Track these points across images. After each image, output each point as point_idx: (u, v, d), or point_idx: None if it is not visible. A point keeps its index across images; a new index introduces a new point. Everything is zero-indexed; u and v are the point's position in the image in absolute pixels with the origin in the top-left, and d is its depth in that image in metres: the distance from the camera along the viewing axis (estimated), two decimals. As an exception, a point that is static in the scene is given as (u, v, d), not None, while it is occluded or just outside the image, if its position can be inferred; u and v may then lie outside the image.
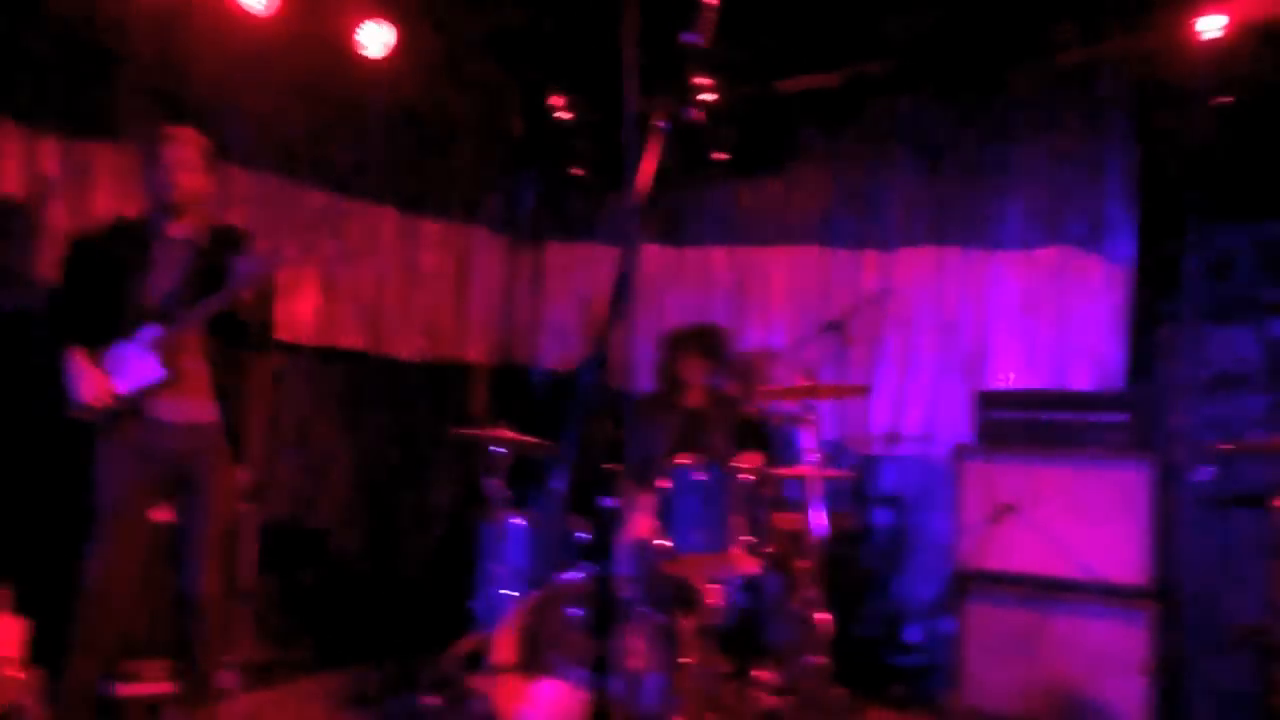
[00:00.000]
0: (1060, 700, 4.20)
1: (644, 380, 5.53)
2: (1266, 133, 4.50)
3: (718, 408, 4.72)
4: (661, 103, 1.60)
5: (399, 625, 5.18)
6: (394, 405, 5.60)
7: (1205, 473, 4.44)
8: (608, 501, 1.46)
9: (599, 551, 1.37)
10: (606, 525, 1.42)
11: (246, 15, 4.38)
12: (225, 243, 3.35)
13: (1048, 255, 4.86)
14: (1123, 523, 4.17)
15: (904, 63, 4.97)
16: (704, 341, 4.75)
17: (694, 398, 4.73)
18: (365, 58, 4.84)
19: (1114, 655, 4.10)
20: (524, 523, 4.27)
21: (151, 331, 3.20)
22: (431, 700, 4.14)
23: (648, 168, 1.57)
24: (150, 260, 3.29)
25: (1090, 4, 4.45)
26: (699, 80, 5.15)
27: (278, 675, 4.49)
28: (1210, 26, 4.03)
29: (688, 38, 1.61)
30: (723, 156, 5.52)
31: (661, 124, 1.60)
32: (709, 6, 1.59)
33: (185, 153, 3.28)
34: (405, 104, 5.38)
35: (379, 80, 5.00)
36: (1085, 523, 4.24)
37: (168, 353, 3.20)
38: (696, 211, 5.87)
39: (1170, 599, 4.31)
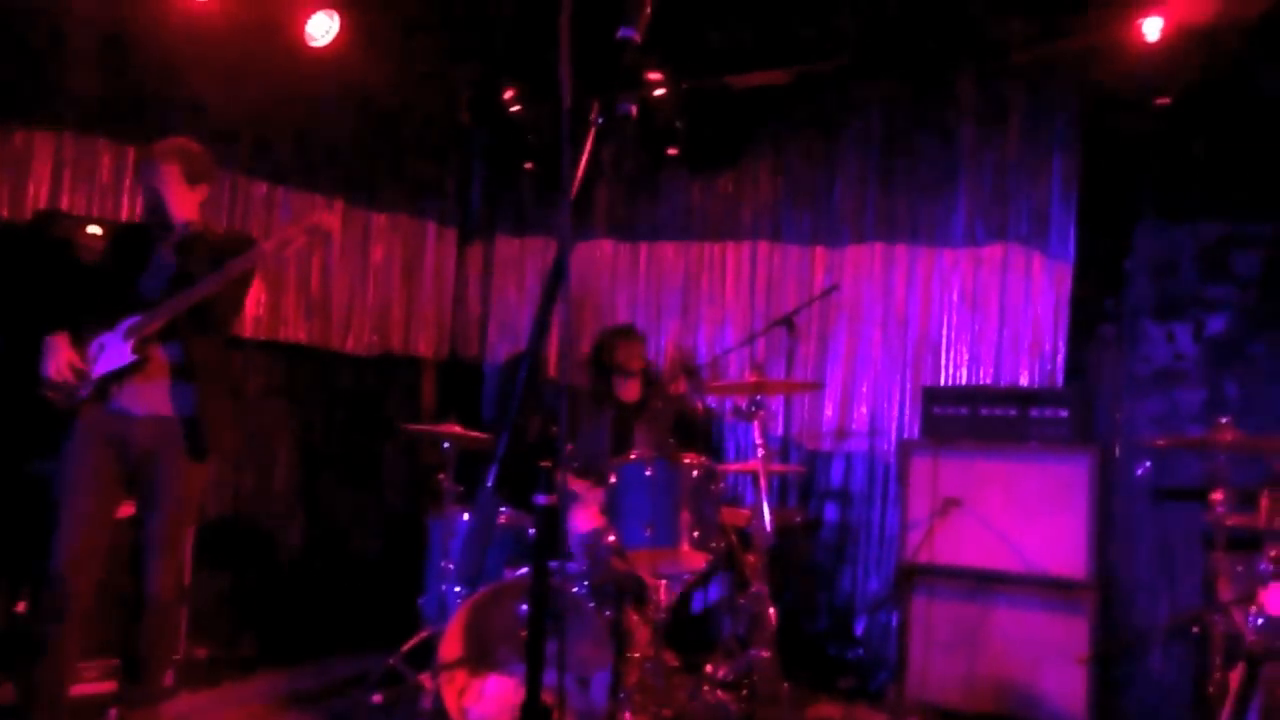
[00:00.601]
0: (1003, 691, 4.27)
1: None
2: (1205, 133, 4.60)
3: (654, 401, 4.74)
4: (598, 97, 1.60)
5: (346, 622, 5.13)
6: (342, 399, 5.54)
7: (1144, 467, 4.54)
8: (541, 499, 1.45)
9: (542, 548, 1.36)
10: (544, 522, 1.41)
11: (189, 3, 4.29)
12: (229, 248, 3.37)
13: (992, 252, 4.93)
14: (1064, 516, 4.24)
15: (854, 62, 5.01)
16: (630, 333, 4.88)
17: (629, 392, 4.73)
18: (313, 47, 4.77)
19: (1055, 646, 4.17)
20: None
21: (130, 320, 3.26)
22: (379, 698, 4.11)
23: (584, 162, 1.57)
24: (148, 262, 3.37)
25: (1034, 7, 4.50)
26: (651, 75, 5.16)
27: (220, 674, 4.42)
28: (1149, 29, 4.10)
29: (624, 33, 1.60)
30: (674, 152, 5.52)
31: (597, 118, 1.59)
32: (645, 2, 1.58)
33: (166, 174, 3.37)
34: (354, 94, 5.32)
35: (327, 70, 4.93)
36: (1027, 516, 4.31)
37: (140, 340, 3.24)
38: (649, 207, 5.87)
39: (1109, 591, 4.40)
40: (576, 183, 1.48)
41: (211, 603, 4.57)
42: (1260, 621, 3.07)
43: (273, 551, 5.15)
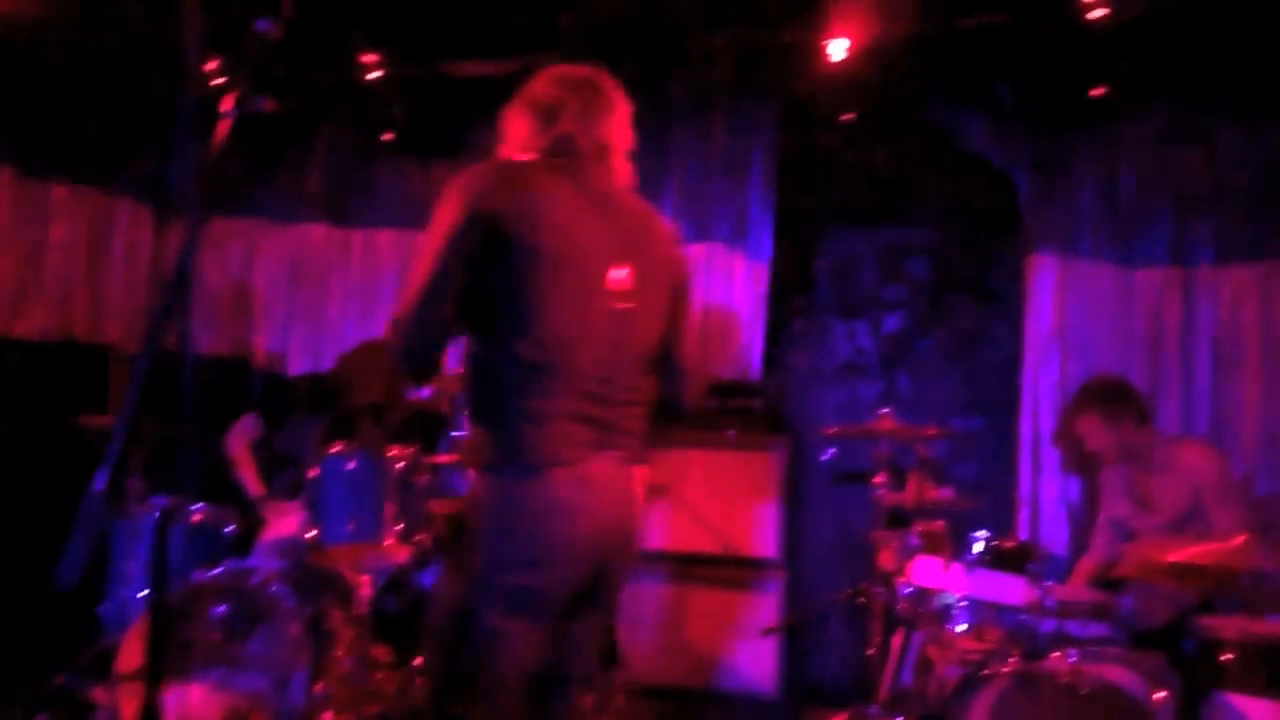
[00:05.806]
0: (703, 665, 4.55)
1: (299, 365, 5.36)
2: (882, 147, 5.06)
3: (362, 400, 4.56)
4: (232, 89, 1.54)
5: (10, 637, 4.65)
6: (11, 389, 5.00)
7: (828, 453, 4.93)
8: (162, 499, 1.40)
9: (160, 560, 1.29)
10: (161, 527, 1.34)
11: None
12: None
13: (697, 252, 5.18)
14: (759, 501, 4.55)
15: (570, 57, 5.07)
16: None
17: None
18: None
19: (750, 622, 4.49)
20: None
21: None
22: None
23: (218, 151, 1.52)
24: None
25: (735, 22, 4.75)
26: (367, 57, 5.00)
27: None
28: (834, 50, 4.43)
29: (261, 25, 1.55)
30: (391, 137, 5.40)
31: (230, 110, 1.54)
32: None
33: None
34: (31, 53, 4.80)
35: (-5, 25, 4.44)
36: (727, 502, 4.60)
37: None
38: (364, 192, 5.70)
39: (797, 568, 4.77)
40: (206, 174, 1.42)
41: None
42: (909, 590, 3.43)
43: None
